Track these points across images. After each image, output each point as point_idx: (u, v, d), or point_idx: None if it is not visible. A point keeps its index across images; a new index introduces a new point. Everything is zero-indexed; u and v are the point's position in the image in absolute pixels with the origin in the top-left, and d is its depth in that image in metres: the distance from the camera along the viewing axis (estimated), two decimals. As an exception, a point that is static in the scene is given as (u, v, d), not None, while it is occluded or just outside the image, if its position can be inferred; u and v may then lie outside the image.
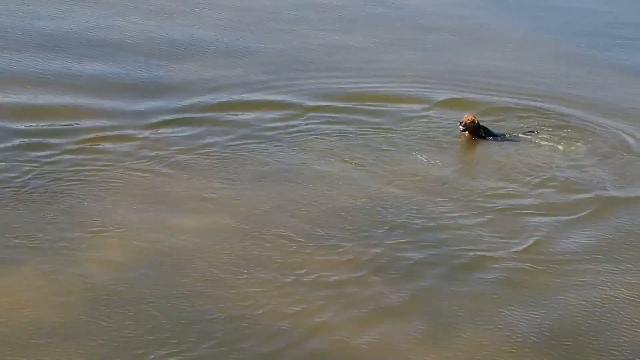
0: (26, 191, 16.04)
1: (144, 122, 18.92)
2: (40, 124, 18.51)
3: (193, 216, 15.75)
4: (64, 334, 12.85)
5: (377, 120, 19.73)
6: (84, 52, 22.30)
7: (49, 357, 12.47)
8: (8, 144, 17.56)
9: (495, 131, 18.08)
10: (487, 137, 17.85)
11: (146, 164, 17.34)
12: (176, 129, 18.84)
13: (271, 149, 18.34)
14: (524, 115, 19.98)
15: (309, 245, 15.06)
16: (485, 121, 18.80)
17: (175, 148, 18.00)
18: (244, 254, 14.76)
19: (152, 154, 17.70)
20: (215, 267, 14.39)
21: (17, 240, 14.63)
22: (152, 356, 12.51)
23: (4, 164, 16.82)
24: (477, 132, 17.32)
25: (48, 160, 17.11)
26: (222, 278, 14.14)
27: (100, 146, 17.88)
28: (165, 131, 18.72)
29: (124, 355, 12.55)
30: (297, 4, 27.31)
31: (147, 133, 18.48)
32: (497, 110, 20.17)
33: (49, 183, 16.37)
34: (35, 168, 16.76)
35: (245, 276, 14.23)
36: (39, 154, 17.29)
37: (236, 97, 20.43)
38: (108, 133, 18.38)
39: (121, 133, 18.40)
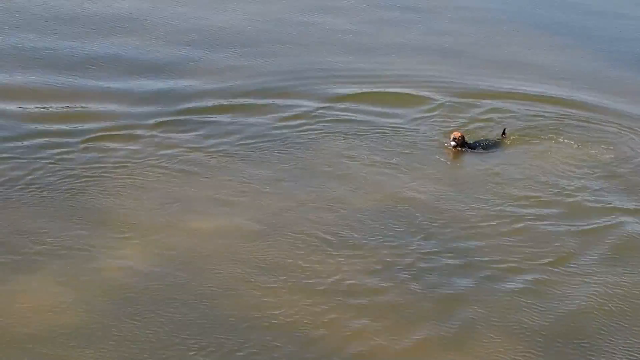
0: (42, 191, 15.92)
1: (155, 121, 18.75)
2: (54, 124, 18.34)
3: (216, 218, 15.60)
4: (87, 336, 12.75)
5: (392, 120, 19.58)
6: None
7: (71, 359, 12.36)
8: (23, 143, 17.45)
9: (472, 142, 18.33)
10: (469, 149, 18.15)
11: (163, 163, 17.17)
12: (189, 128, 18.68)
13: (288, 148, 18.21)
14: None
15: (340, 250, 14.91)
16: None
17: (190, 147, 17.85)
18: (273, 258, 14.61)
19: (168, 152, 17.54)
20: (244, 271, 14.22)
21: (37, 242, 14.49)
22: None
23: (19, 161, 16.70)
24: (464, 145, 17.96)
25: (64, 157, 17.02)
26: (251, 282, 13.99)
27: (114, 145, 17.74)
28: (180, 129, 18.59)
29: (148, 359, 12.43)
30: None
31: (159, 132, 18.33)
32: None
33: (66, 182, 16.26)
34: (50, 166, 16.64)
35: (276, 280, 14.10)
36: (54, 151, 17.18)
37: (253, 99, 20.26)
38: (119, 132, 18.26)
39: (132, 132, 18.27)
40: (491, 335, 13.27)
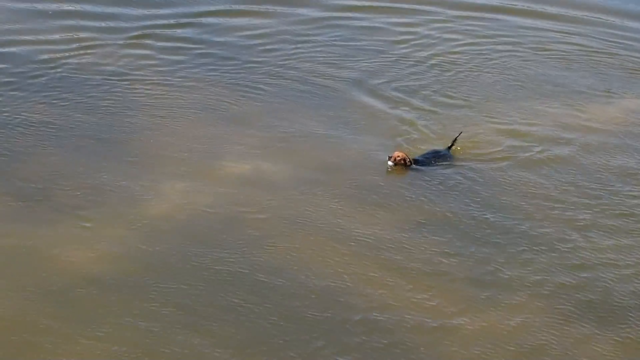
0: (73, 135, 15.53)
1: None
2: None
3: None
4: (129, 286, 12.24)
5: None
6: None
7: (106, 312, 11.78)
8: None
9: (420, 157, 15.71)
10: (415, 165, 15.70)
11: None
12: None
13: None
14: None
15: (373, 207, 14.26)
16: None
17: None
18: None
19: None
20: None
21: (72, 188, 14.10)
22: (215, 324, 11.75)
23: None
24: (408, 167, 15.35)
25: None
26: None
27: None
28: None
29: (183, 320, 11.77)
30: None
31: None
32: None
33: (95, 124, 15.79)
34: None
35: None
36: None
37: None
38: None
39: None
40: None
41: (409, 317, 12.01)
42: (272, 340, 11.53)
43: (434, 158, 15.63)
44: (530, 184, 15.17)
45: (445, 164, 15.51)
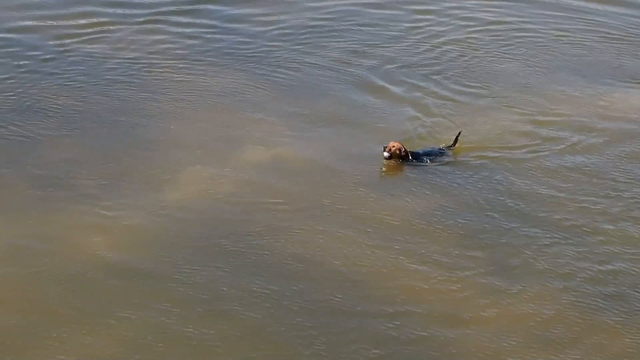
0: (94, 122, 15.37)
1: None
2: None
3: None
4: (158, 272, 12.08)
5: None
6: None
7: (124, 300, 11.59)
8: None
9: (420, 151, 15.10)
10: (413, 160, 14.91)
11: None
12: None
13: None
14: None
15: (400, 193, 14.01)
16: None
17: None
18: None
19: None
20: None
21: (93, 174, 13.96)
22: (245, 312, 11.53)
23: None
24: (405, 159, 14.68)
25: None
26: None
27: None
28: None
29: (203, 307, 11.57)
30: None
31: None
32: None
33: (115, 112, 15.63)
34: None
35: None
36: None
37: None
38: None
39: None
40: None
41: (440, 308, 11.81)
42: (297, 329, 11.34)
43: (431, 155, 14.94)
44: (560, 174, 14.85)
45: (443, 162, 14.89)
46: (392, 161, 14.62)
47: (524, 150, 15.48)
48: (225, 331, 11.15)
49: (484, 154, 15.27)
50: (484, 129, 15.99)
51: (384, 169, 14.66)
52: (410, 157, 14.69)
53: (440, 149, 15.13)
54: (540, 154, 15.36)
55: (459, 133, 15.39)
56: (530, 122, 16.37)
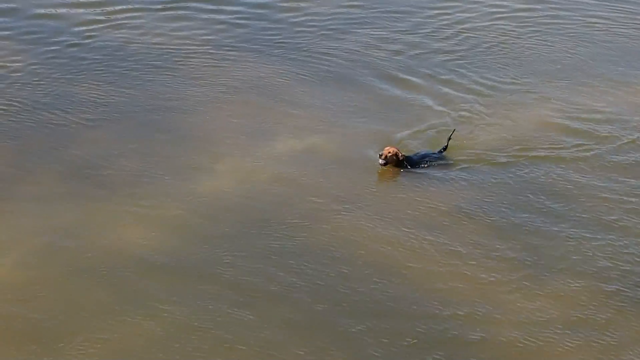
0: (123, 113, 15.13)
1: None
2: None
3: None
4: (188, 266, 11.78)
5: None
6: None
7: (158, 291, 11.34)
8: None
9: (415, 157, 14.44)
10: (408, 167, 14.17)
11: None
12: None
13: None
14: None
15: (421, 183, 13.73)
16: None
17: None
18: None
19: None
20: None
21: (125, 166, 13.70)
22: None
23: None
24: (401, 165, 14.09)
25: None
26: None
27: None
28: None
29: (238, 300, 11.25)
30: None
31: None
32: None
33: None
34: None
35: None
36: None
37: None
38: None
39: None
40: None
41: (482, 308, 11.45)
42: (342, 328, 11.00)
43: (425, 160, 14.33)
44: (607, 172, 14.37)
45: (438, 165, 14.27)
46: (389, 166, 14.07)
47: (564, 146, 15.02)
48: (262, 328, 10.88)
49: (525, 153, 14.74)
50: (521, 125, 15.58)
51: (379, 171, 14.09)
52: (406, 163, 14.15)
53: (436, 152, 14.50)
54: (585, 152, 14.86)
55: (452, 132, 14.81)
56: (571, 118, 15.91)
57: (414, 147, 14.63)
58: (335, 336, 10.79)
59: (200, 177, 13.59)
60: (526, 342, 10.88)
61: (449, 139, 14.58)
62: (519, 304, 11.40)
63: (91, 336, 10.57)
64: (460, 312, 11.20)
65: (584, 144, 15.01)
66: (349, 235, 12.45)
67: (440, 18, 19.35)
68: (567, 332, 11.11)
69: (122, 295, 11.21)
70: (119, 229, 12.35)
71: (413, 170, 14.04)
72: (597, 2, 20.30)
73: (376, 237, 12.47)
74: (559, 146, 14.95)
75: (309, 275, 11.67)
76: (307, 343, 10.69)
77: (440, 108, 15.87)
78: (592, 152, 14.81)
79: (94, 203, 12.85)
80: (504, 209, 13.28)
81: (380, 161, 13.93)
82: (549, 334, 11.02)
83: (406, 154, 14.19)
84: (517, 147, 14.79)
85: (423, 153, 14.41)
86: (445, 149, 14.48)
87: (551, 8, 19.96)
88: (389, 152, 13.98)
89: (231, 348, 10.54)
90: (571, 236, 12.79)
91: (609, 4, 20.27)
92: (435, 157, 14.33)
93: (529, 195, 13.66)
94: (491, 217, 13.09)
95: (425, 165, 14.18)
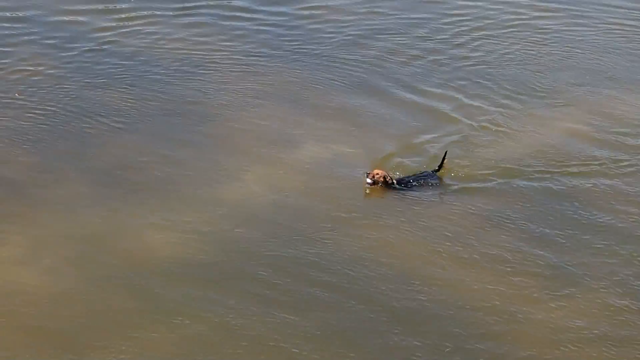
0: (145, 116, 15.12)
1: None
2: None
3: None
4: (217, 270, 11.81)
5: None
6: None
7: (185, 297, 11.37)
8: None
9: (405, 177, 14.30)
10: (397, 186, 14.02)
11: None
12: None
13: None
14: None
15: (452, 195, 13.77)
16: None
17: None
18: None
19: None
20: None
21: (151, 171, 13.73)
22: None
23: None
24: (389, 186, 13.93)
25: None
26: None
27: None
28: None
29: (263, 306, 11.26)
30: None
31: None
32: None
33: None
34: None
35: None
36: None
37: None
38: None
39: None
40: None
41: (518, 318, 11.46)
42: (377, 333, 11.03)
43: (418, 180, 14.13)
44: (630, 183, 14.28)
45: (430, 186, 14.08)
46: (376, 186, 13.91)
47: (594, 157, 14.89)
48: (295, 332, 10.90)
49: (544, 168, 14.58)
50: (549, 135, 15.44)
51: (367, 191, 13.92)
52: (394, 183, 13.98)
53: (428, 172, 14.27)
54: (615, 163, 14.73)
55: (445, 153, 14.58)
56: (598, 128, 15.77)
57: (434, 152, 14.64)
58: (368, 340, 10.85)
59: (228, 184, 13.59)
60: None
61: (443, 159, 14.41)
62: (552, 315, 11.40)
63: (119, 343, 10.57)
64: (495, 328, 11.20)
65: (615, 156, 14.90)
66: (380, 243, 12.47)
67: (459, 24, 19.30)
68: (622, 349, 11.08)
69: (149, 303, 11.21)
70: (147, 236, 12.34)
71: (401, 189, 13.88)
72: (615, 8, 20.23)
73: (410, 246, 12.50)
74: (589, 157, 14.86)
75: (343, 283, 11.69)
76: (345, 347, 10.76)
77: (461, 117, 15.82)
78: (625, 163, 14.72)
79: (121, 210, 12.84)
80: (541, 220, 13.25)
81: (368, 180, 13.82)
82: (597, 350, 11.01)
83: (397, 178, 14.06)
84: (544, 159, 14.71)
85: (417, 174, 14.21)
86: (439, 168, 14.35)
87: (571, 15, 19.87)
88: (377, 174, 13.90)
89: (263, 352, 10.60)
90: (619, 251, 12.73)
91: (627, 10, 20.19)
92: (426, 177, 14.18)
93: (566, 205, 13.66)
94: (527, 228, 13.08)
95: (416, 184, 14.04)
